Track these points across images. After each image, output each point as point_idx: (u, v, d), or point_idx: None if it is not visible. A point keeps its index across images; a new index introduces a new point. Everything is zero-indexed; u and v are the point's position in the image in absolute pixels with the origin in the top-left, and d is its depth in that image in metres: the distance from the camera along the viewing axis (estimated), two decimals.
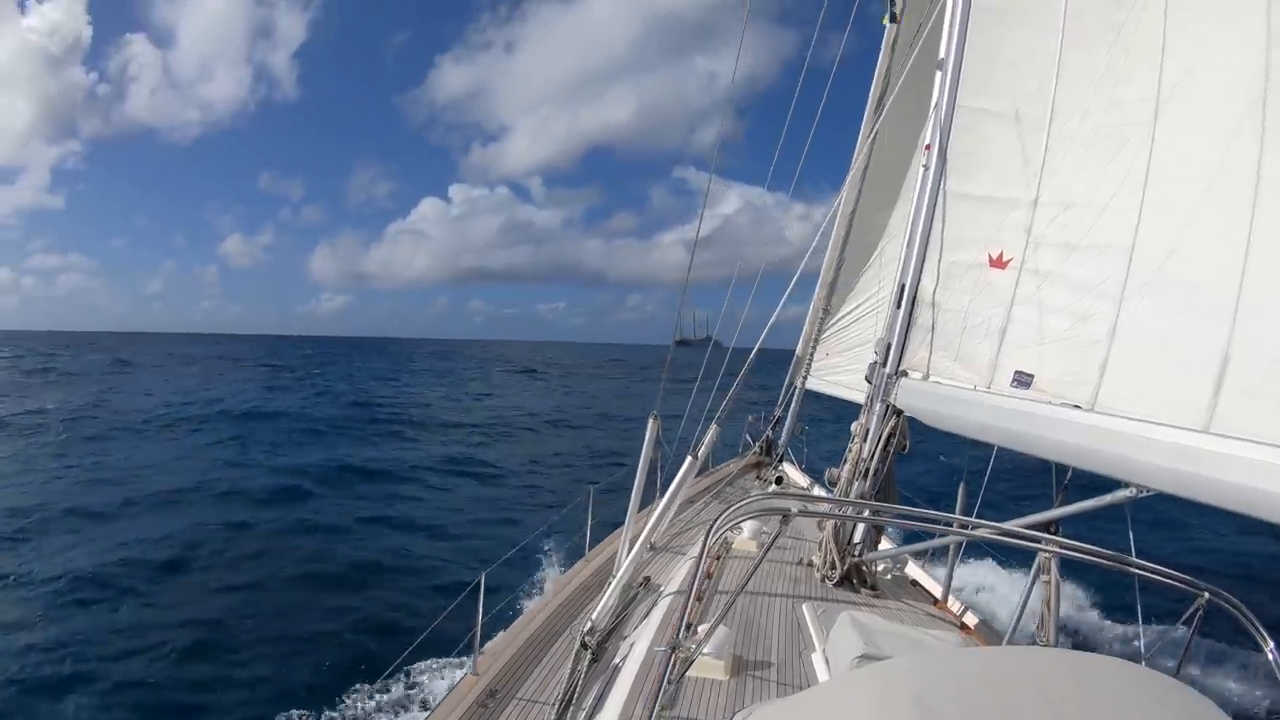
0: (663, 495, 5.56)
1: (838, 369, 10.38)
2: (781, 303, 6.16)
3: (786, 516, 2.96)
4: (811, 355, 10.83)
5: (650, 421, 5.88)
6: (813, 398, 11.06)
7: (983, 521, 5.21)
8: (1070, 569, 4.70)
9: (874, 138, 9.08)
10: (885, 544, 6.01)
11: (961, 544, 5.78)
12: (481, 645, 4.83)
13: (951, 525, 4.89)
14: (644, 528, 5.36)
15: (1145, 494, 3.89)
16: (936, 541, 5.76)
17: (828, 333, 10.84)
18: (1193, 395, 3.61)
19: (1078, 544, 3.68)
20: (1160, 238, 4.06)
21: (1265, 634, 2.80)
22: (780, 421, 11.23)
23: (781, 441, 11.16)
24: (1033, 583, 4.87)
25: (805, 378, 10.85)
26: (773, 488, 8.08)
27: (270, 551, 13.20)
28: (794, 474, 10.31)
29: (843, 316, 10.73)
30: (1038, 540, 4.27)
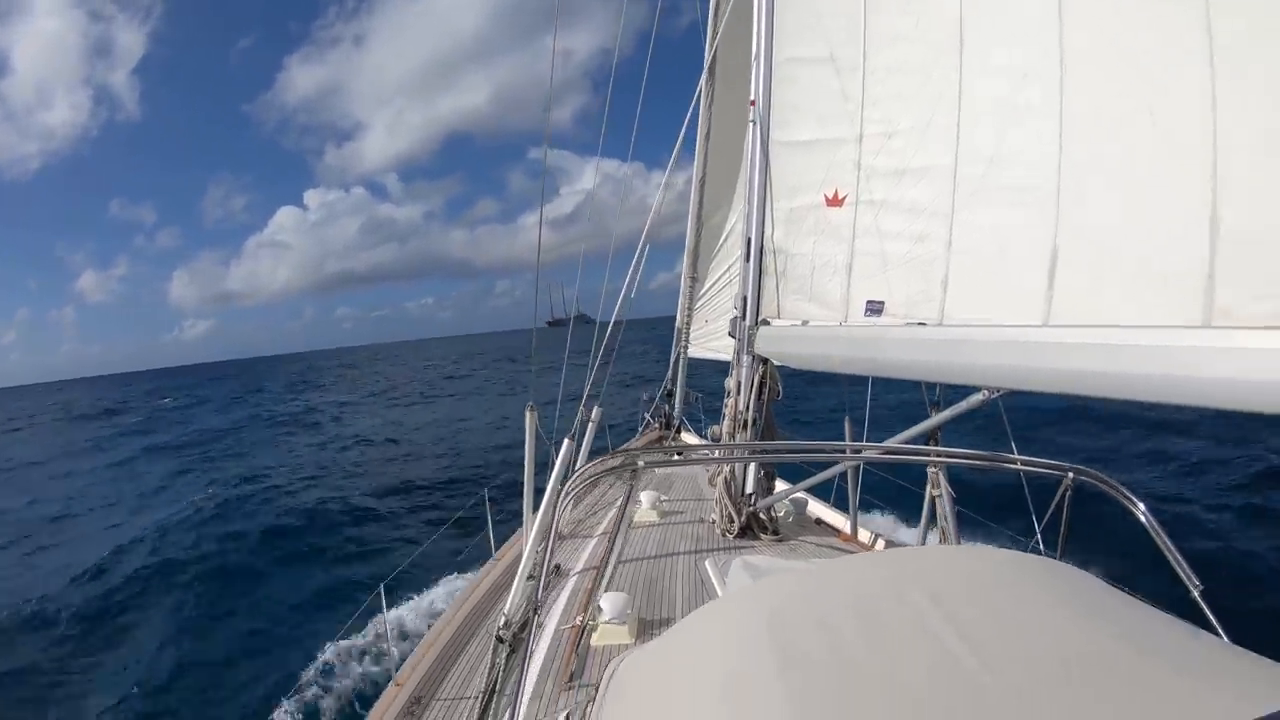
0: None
1: (715, 335, 10.50)
2: (633, 272, 6.03)
3: (635, 470, 3.00)
4: (688, 324, 10.95)
5: (527, 413, 5.81)
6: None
7: (868, 444, 5.36)
8: (962, 480, 4.87)
9: (711, 105, 9.21)
10: (780, 488, 6.10)
11: (859, 472, 5.91)
12: (398, 655, 4.69)
13: (838, 453, 5.01)
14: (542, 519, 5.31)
15: (998, 394, 4.07)
16: (827, 473, 5.88)
17: (700, 301, 10.97)
18: (1029, 292, 3.75)
19: (958, 450, 3.83)
20: (979, 148, 4.20)
21: (1134, 498, 2.94)
22: (672, 394, 11.32)
23: (676, 412, 11.28)
24: (927, 496, 5.00)
25: (686, 347, 10.97)
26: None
27: None
28: (694, 442, 10.40)
29: (713, 284, 10.88)
30: (925, 454, 4.43)
